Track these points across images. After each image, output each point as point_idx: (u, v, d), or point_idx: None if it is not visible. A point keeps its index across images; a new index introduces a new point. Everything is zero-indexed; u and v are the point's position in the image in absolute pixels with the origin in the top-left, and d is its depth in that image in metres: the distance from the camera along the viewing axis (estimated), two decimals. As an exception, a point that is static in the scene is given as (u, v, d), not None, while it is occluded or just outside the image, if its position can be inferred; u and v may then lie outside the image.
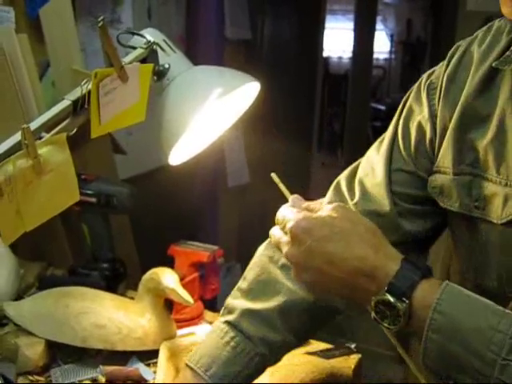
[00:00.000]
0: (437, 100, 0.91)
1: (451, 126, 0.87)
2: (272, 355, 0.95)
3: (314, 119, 4.20)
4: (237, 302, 0.99)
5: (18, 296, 1.38)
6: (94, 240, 1.44)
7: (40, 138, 0.81)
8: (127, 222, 1.78)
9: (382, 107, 6.72)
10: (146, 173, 2.17)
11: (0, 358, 1.22)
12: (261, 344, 0.93)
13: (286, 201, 0.87)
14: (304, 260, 0.74)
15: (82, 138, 0.90)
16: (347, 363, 1.22)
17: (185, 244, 1.40)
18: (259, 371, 0.96)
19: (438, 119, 0.90)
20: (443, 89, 0.90)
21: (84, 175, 1.39)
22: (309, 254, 0.74)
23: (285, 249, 0.77)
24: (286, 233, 0.78)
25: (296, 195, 0.86)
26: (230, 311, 0.98)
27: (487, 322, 0.63)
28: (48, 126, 0.82)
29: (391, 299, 0.68)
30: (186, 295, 1.16)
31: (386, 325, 0.70)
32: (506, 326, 0.63)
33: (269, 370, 1.04)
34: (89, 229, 1.44)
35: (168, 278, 1.18)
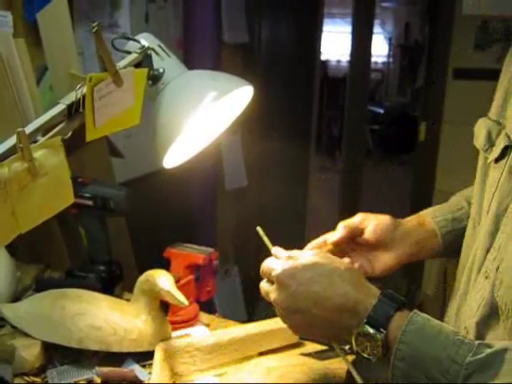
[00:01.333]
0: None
1: (505, 82, 0.98)
2: None
3: (311, 122, 4.20)
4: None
5: (15, 298, 1.39)
6: (90, 242, 1.45)
7: (35, 142, 0.82)
8: (124, 225, 1.79)
9: (381, 110, 6.75)
10: (143, 176, 2.19)
11: (-3, 359, 1.23)
12: (466, 203, 1.11)
13: (269, 253, 0.96)
14: (291, 303, 0.82)
15: (79, 142, 0.91)
16: (341, 364, 1.23)
17: (181, 246, 1.41)
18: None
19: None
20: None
21: (81, 178, 1.41)
22: (295, 297, 0.81)
23: (273, 296, 0.84)
24: (272, 282, 0.86)
25: (277, 247, 0.96)
26: None
27: (445, 353, 0.70)
28: (43, 130, 0.83)
29: (371, 331, 0.75)
30: (180, 297, 1.16)
31: (365, 355, 0.77)
32: (461, 358, 0.70)
33: (264, 371, 1.05)
34: (85, 231, 1.45)
35: (163, 279, 1.18)
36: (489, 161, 0.96)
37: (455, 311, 1.01)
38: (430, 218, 1.10)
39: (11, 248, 1.45)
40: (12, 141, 0.78)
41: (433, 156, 2.77)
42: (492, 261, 0.88)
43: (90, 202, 1.39)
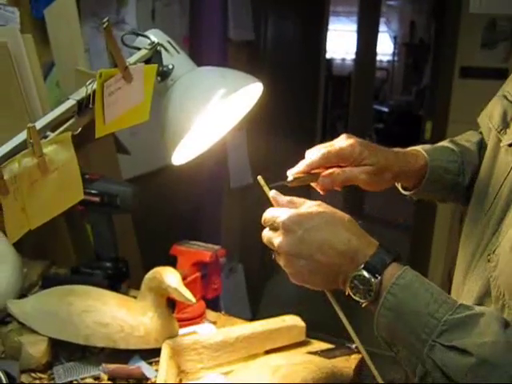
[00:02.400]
0: None
1: None
2: (465, 167, 1.11)
3: (316, 121, 4.20)
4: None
5: (22, 294, 1.39)
6: (97, 239, 1.45)
7: (45, 137, 0.82)
8: (130, 222, 1.79)
9: (385, 109, 6.73)
10: (148, 173, 2.18)
11: (3, 355, 1.23)
12: (459, 150, 1.12)
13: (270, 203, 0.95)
14: (297, 248, 0.82)
15: (85, 138, 0.91)
16: (348, 363, 1.23)
17: (187, 243, 1.41)
18: (454, 166, 1.10)
19: None
20: None
21: (88, 175, 1.40)
22: (301, 242, 0.82)
23: (277, 241, 0.84)
24: (275, 229, 0.86)
25: (274, 191, 0.96)
26: None
27: (427, 309, 0.74)
28: (53, 126, 0.83)
29: (366, 275, 0.78)
30: (188, 294, 1.16)
31: (357, 298, 0.80)
32: (440, 315, 0.74)
33: (271, 369, 1.05)
34: (92, 228, 1.45)
35: (170, 277, 1.18)
36: (502, 144, 0.96)
37: (455, 292, 1.04)
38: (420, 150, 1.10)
39: (18, 244, 1.45)
40: (22, 136, 0.78)
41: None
42: (495, 245, 0.90)
43: (96, 199, 1.39)
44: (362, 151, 0.98)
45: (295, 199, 0.92)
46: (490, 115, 1.03)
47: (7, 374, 1.11)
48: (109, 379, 1.16)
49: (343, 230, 0.82)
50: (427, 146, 1.11)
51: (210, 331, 1.30)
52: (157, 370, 1.16)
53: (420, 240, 3.17)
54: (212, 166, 2.70)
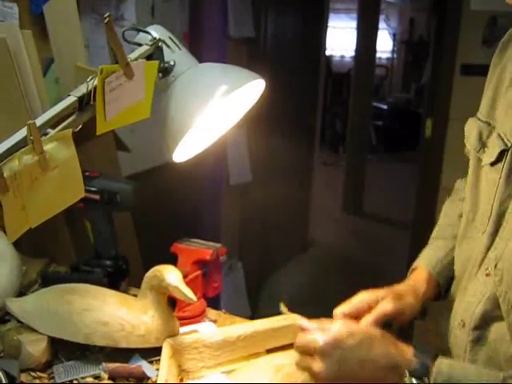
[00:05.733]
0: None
1: (494, 80, 1.01)
2: None
3: (316, 118, 4.19)
4: (433, 231, 1.25)
5: (21, 292, 1.38)
6: (97, 237, 1.44)
7: (45, 135, 0.81)
8: (130, 220, 1.78)
9: (384, 106, 6.72)
10: (148, 170, 2.17)
11: (3, 354, 1.22)
12: (454, 240, 1.14)
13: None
14: (338, 371, 0.84)
15: (85, 136, 0.90)
16: (350, 362, 1.22)
17: (188, 241, 1.39)
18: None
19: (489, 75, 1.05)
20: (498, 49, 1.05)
21: (88, 172, 1.39)
22: (341, 364, 0.84)
23: (316, 368, 0.86)
24: (310, 355, 0.87)
25: (301, 318, 1.03)
26: (432, 235, 1.24)
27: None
28: (53, 123, 0.82)
29: (414, 381, 0.82)
30: (189, 293, 1.15)
31: None
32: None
33: (273, 369, 1.04)
34: (92, 226, 1.44)
35: (171, 275, 1.17)
36: (483, 163, 0.99)
37: (453, 304, 1.07)
38: (426, 269, 1.14)
39: (16, 242, 1.44)
40: (22, 133, 0.77)
41: (439, 153, 2.75)
42: (493, 259, 0.93)
43: (96, 197, 1.37)
44: (374, 291, 1.08)
45: (323, 322, 0.93)
46: (467, 137, 1.07)
47: (7, 374, 1.10)
48: (109, 378, 1.15)
49: (379, 344, 0.86)
50: (432, 260, 1.15)
51: (210, 330, 1.28)
52: (157, 369, 1.15)
53: (419, 238, 3.16)
54: (212, 163, 2.69)
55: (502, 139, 0.94)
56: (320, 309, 1.33)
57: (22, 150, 0.75)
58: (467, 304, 0.98)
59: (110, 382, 1.14)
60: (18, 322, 1.25)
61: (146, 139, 2.14)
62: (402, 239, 3.42)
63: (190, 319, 1.33)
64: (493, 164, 0.96)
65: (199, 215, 2.60)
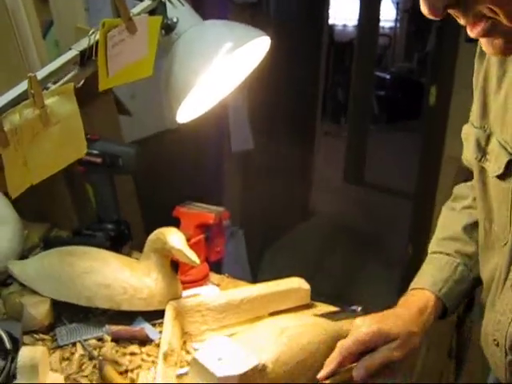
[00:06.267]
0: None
1: (479, 84, 0.94)
2: (473, 264, 1.08)
3: (318, 86, 4.14)
4: (432, 242, 1.17)
5: (23, 256, 1.37)
6: (98, 201, 1.43)
7: (47, 89, 0.79)
8: (132, 184, 1.76)
9: (387, 76, 6.66)
10: (150, 136, 2.15)
11: (5, 317, 1.22)
12: (458, 256, 1.09)
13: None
14: None
15: (86, 98, 0.88)
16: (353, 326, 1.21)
17: (190, 205, 1.38)
18: (468, 279, 1.09)
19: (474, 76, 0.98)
20: (477, 54, 0.96)
21: (89, 135, 1.37)
22: None
23: None
24: None
25: None
26: (430, 249, 1.15)
27: None
28: (55, 79, 0.80)
29: None
30: (192, 255, 1.14)
31: None
32: None
33: (276, 331, 1.03)
34: (94, 190, 1.43)
35: (174, 238, 1.16)
36: (491, 175, 0.93)
37: (483, 324, 1.03)
38: (432, 293, 1.06)
39: (18, 208, 1.43)
40: (23, 86, 0.75)
41: (443, 121, 2.72)
42: None
43: (98, 160, 1.36)
44: (380, 331, 0.96)
45: None
46: (466, 146, 1.02)
47: (10, 336, 1.10)
48: (112, 340, 1.15)
49: None
50: (436, 281, 1.08)
51: (214, 293, 1.28)
52: (160, 332, 1.14)
53: (421, 208, 3.15)
54: (213, 130, 2.67)
55: (505, 148, 0.88)
56: (321, 279, 1.33)
57: (23, 103, 0.73)
58: (498, 324, 0.94)
59: (113, 344, 1.14)
60: (20, 285, 1.25)
61: (147, 105, 2.12)
62: (404, 209, 3.41)
63: (192, 283, 1.33)
64: (501, 176, 0.90)
65: (200, 183, 2.58)
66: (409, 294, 1.08)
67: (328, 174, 4.44)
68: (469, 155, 0.99)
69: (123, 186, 1.64)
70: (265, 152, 3.16)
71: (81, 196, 1.58)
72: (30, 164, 0.75)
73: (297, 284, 1.26)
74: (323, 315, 1.21)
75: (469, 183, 1.17)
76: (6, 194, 1.45)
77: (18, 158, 0.73)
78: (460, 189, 1.20)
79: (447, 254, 1.10)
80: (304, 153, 3.88)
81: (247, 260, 3.02)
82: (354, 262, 3.50)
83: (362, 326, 0.96)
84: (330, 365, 0.96)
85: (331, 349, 1.06)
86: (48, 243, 1.40)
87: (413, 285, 1.09)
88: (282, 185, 3.46)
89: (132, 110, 1.91)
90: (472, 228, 1.10)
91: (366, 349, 0.95)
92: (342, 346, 0.95)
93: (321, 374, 0.96)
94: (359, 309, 1.26)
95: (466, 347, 2.74)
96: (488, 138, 0.93)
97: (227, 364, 0.94)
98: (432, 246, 1.15)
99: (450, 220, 1.16)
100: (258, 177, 3.18)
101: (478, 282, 1.09)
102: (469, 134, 0.98)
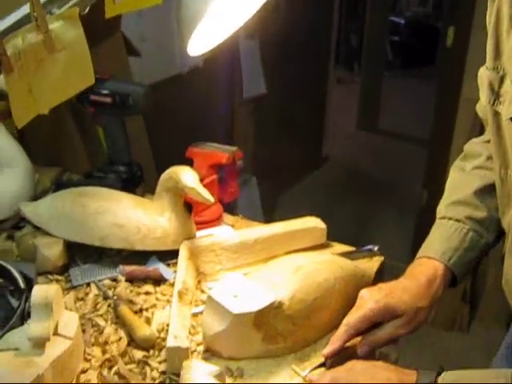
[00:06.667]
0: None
1: (492, 24, 0.90)
2: (484, 230, 1.04)
3: (331, 32, 4.05)
4: (440, 205, 1.10)
5: (35, 200, 1.36)
6: (109, 143, 1.40)
7: (51, 14, 0.75)
8: (143, 127, 1.74)
9: (401, 21, 6.50)
10: (161, 81, 2.11)
11: (19, 259, 1.21)
12: (469, 222, 1.04)
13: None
14: None
15: (95, 38, 0.84)
16: (370, 264, 1.20)
17: (203, 145, 1.35)
18: (479, 246, 1.04)
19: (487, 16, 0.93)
20: None
21: (97, 75, 1.34)
22: None
23: None
24: None
25: (309, 374, 0.93)
26: (438, 213, 1.09)
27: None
28: (59, 3, 0.76)
29: None
30: (206, 193, 1.12)
31: None
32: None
33: (292, 268, 1.01)
34: (104, 131, 1.40)
35: (187, 176, 1.14)
36: (504, 118, 0.89)
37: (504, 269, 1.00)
38: (441, 263, 1.01)
39: (29, 153, 1.41)
40: (25, 10, 0.71)
41: (460, 62, 2.65)
42: None
43: (108, 100, 1.32)
44: (386, 308, 0.92)
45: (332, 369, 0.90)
46: (481, 90, 0.96)
47: (24, 276, 1.09)
48: (126, 281, 1.14)
49: (379, 371, 0.83)
50: (445, 250, 1.03)
51: (227, 233, 1.26)
52: (175, 272, 1.13)
53: (437, 153, 3.10)
54: (225, 75, 2.62)
55: None
56: (335, 224, 1.30)
57: (26, 26, 0.70)
58: None
59: (127, 284, 1.13)
60: (33, 227, 1.24)
61: (157, 49, 2.08)
62: (419, 156, 3.37)
63: (206, 224, 1.31)
64: None
65: (211, 130, 2.55)
66: (417, 262, 1.04)
67: (341, 121, 4.38)
68: (483, 99, 0.95)
69: (134, 128, 1.61)
70: (277, 99, 3.11)
71: (92, 139, 1.55)
72: (35, 92, 0.72)
73: (312, 223, 1.24)
74: (339, 254, 1.19)
75: (481, 139, 1.12)
76: (16, 138, 1.43)
77: (22, 85, 0.70)
78: (471, 146, 1.14)
79: (457, 220, 1.05)
80: (317, 100, 3.82)
81: (261, 208, 3.00)
82: (368, 209, 3.48)
83: (369, 300, 0.93)
84: (336, 342, 0.93)
85: (347, 286, 1.05)
86: (59, 186, 1.38)
87: (421, 253, 1.05)
88: (294, 132, 3.42)
89: (142, 53, 1.87)
90: (484, 191, 1.05)
91: (371, 324, 0.93)
92: (348, 323, 0.93)
93: (326, 351, 0.93)
94: (376, 248, 1.24)
95: (480, 291, 2.74)
96: (501, 80, 0.89)
97: (243, 301, 0.93)
98: (441, 211, 1.09)
99: (460, 182, 1.10)
100: (271, 123, 3.13)
101: (488, 247, 1.06)
102: (483, 76, 0.94)
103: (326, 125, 3.96)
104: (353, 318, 0.92)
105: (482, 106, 1.03)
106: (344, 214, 3.17)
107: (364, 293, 0.95)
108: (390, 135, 4.50)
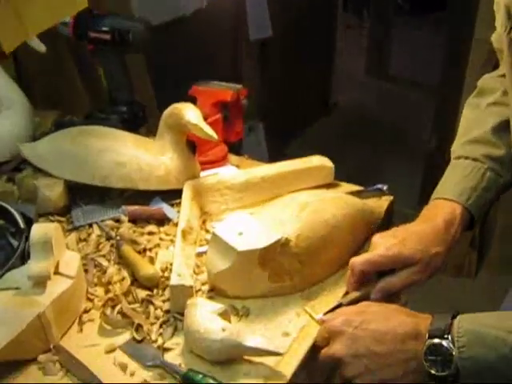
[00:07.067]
0: None
1: None
2: (502, 169, 1.00)
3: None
4: (455, 145, 1.06)
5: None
6: (110, 82, 1.36)
7: None
8: (144, 65, 1.69)
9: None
10: (164, 23, 2.05)
11: (20, 201, 1.19)
12: (487, 160, 0.99)
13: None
14: (351, 347, 0.79)
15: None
16: (380, 203, 1.17)
17: (207, 83, 1.31)
18: (497, 185, 1.00)
19: None
20: None
21: (96, 10, 1.29)
22: (354, 340, 0.79)
23: (332, 350, 0.81)
24: (326, 341, 0.83)
25: (321, 315, 0.90)
26: (453, 153, 1.05)
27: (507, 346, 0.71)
28: None
29: (435, 341, 0.74)
30: (209, 130, 1.08)
31: (441, 374, 0.74)
32: None
33: (298, 206, 0.98)
34: (104, 70, 1.36)
35: (190, 112, 1.10)
36: None
37: None
38: (459, 204, 0.97)
39: (29, 95, 1.38)
40: None
41: (472, 2, 2.56)
42: None
43: (107, 37, 1.28)
44: (398, 256, 0.89)
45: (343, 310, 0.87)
46: (497, 18, 0.90)
47: (24, 216, 1.07)
48: (129, 221, 1.11)
49: (393, 314, 0.80)
50: (462, 190, 0.98)
51: (232, 172, 1.23)
52: (179, 211, 1.10)
53: (446, 99, 3.03)
54: (230, 17, 2.55)
55: None
56: (343, 170, 1.26)
57: None
58: None
59: (131, 224, 1.11)
60: (34, 169, 1.21)
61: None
62: (428, 102, 3.30)
63: (211, 164, 1.27)
64: None
65: (216, 73, 2.50)
66: (432, 204, 0.99)
67: (350, 67, 4.29)
68: (499, 28, 0.90)
69: (135, 67, 1.56)
70: (285, 43, 3.03)
71: (92, 79, 1.51)
72: (23, 16, 0.68)
73: (320, 162, 1.20)
74: (348, 193, 1.16)
75: (496, 73, 1.07)
76: (15, 80, 1.39)
77: (8, 9, 0.65)
78: (486, 81, 1.08)
79: (474, 159, 1.00)
80: (324, 45, 3.73)
81: (267, 155, 2.96)
82: (376, 155, 3.43)
83: (380, 246, 0.90)
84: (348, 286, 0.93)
85: (356, 223, 1.02)
86: (59, 127, 1.34)
87: (436, 194, 1.00)
88: (302, 78, 3.34)
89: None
90: (501, 128, 1.01)
91: (379, 270, 0.90)
92: (352, 264, 0.90)
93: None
94: (385, 187, 1.20)
95: (489, 237, 2.72)
96: None
97: (248, 238, 0.91)
98: (455, 150, 1.05)
99: (475, 120, 1.06)
100: (277, 69, 3.06)
101: (506, 187, 1.02)
102: (499, 2, 0.88)
103: (335, 71, 3.88)
104: (357, 259, 0.90)
105: (498, 35, 0.98)
106: (352, 161, 3.12)
107: (377, 238, 0.92)
108: (400, 81, 4.42)
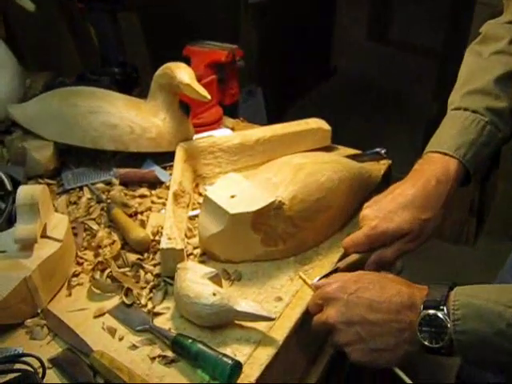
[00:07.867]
0: None
1: None
2: (502, 123, 0.94)
3: None
4: (453, 95, 0.99)
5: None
6: (101, 41, 1.33)
7: None
8: (138, 26, 1.64)
9: None
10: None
11: (10, 164, 1.16)
12: (488, 113, 0.93)
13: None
14: (345, 314, 0.77)
15: None
16: (377, 167, 1.14)
17: (202, 43, 1.27)
18: (495, 140, 0.94)
19: None
20: None
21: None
22: (348, 307, 0.77)
23: (325, 316, 0.78)
24: (319, 307, 0.81)
25: (316, 281, 0.88)
26: (451, 104, 0.99)
27: (504, 321, 0.68)
28: None
29: (430, 311, 0.72)
30: (202, 90, 1.05)
31: (436, 345, 0.72)
32: None
33: (293, 168, 0.95)
34: (95, 29, 1.33)
35: (182, 72, 1.06)
36: None
37: None
38: (455, 159, 0.91)
39: (20, 57, 1.34)
40: None
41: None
42: None
43: (97, -6, 1.24)
44: (384, 233, 0.86)
45: (338, 276, 0.83)
46: None
47: (12, 179, 1.04)
48: (120, 184, 1.09)
49: (389, 283, 0.78)
50: (460, 144, 0.92)
51: (227, 134, 1.20)
52: (171, 174, 1.08)
53: (448, 65, 2.99)
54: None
55: None
56: (343, 135, 1.23)
57: None
58: None
59: (122, 187, 1.08)
60: (24, 131, 1.18)
61: None
62: (430, 67, 3.25)
63: (205, 126, 1.24)
64: None
65: (215, 33, 2.44)
66: (426, 158, 0.94)
67: (350, 31, 4.21)
68: None
69: (128, 27, 1.52)
70: (284, 6, 2.97)
71: (84, 39, 1.47)
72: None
73: (316, 124, 1.17)
74: (345, 157, 1.13)
75: (502, 19, 1.00)
76: (4, 40, 1.35)
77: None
78: (491, 27, 1.00)
79: (474, 111, 0.94)
80: (324, 9, 3.66)
81: (266, 120, 2.92)
82: (377, 121, 3.39)
83: (366, 226, 0.87)
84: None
85: (353, 187, 0.99)
86: (50, 89, 1.31)
87: (431, 147, 0.95)
88: (302, 41, 3.28)
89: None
90: (505, 79, 0.94)
91: (370, 247, 0.88)
92: (345, 243, 0.89)
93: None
94: (383, 151, 1.18)
95: (488, 204, 2.69)
96: None
97: (241, 201, 0.88)
98: (454, 101, 0.98)
99: (477, 69, 0.98)
100: (277, 32, 3.01)
101: (503, 142, 0.96)
102: None
103: (336, 35, 3.81)
104: (347, 245, 0.89)
105: None
106: (351, 126, 3.08)
107: (366, 212, 0.89)
108: (401, 46, 4.35)
